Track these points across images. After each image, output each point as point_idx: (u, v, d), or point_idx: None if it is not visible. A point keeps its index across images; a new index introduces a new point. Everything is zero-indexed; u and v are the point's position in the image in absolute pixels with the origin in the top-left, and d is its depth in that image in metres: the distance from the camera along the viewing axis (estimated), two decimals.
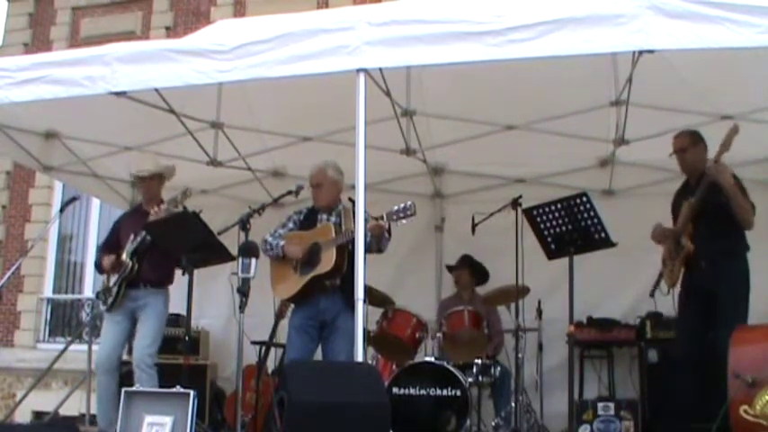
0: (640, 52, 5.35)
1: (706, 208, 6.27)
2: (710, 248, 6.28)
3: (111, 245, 7.23)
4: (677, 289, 6.63)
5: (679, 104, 6.88)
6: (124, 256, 6.98)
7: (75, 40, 14.08)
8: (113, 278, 7.01)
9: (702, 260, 6.35)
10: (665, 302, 6.84)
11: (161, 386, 6.53)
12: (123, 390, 5.97)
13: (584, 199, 6.46)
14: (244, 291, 6.31)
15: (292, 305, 6.99)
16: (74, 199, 7.77)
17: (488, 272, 8.57)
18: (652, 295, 6.84)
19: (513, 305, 7.44)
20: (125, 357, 7.23)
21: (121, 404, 5.82)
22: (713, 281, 6.26)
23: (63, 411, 9.39)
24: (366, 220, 5.72)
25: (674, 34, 4.98)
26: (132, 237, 7.02)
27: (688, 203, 6.40)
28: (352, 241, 5.74)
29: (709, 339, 6.32)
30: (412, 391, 6.95)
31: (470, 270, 8.58)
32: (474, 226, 7.60)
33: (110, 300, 6.96)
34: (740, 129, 6.81)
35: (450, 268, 8.80)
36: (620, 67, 6.54)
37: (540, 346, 8.05)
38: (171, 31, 13.58)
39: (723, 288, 6.23)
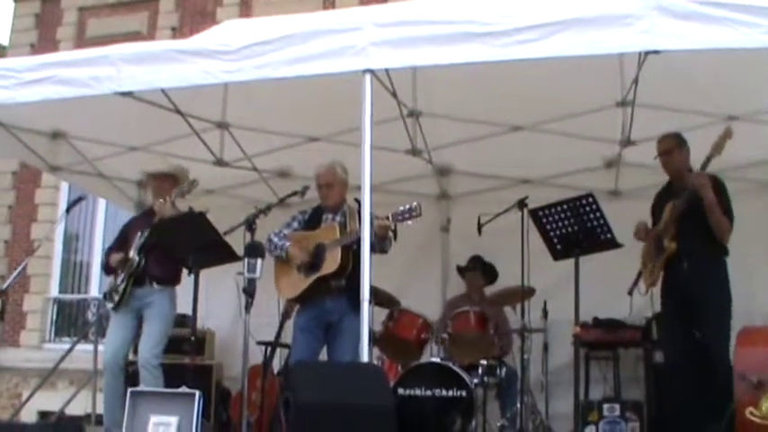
0: (646, 53, 5.36)
1: (691, 210, 6.28)
2: (694, 250, 6.30)
3: (119, 247, 7.25)
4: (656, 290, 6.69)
5: (685, 105, 6.87)
6: (131, 253, 6.99)
7: (81, 41, 14.10)
8: (120, 277, 7.02)
9: (685, 261, 6.38)
10: None
11: (167, 386, 6.54)
12: (129, 390, 6.00)
13: (591, 200, 6.46)
14: (249, 291, 6.29)
15: (298, 305, 6.99)
16: (80, 199, 7.79)
17: (497, 272, 8.56)
18: (630, 293, 6.87)
19: (518, 306, 7.44)
20: (131, 357, 7.21)
21: (127, 404, 5.85)
22: (696, 282, 6.28)
23: (69, 411, 9.40)
24: (371, 221, 5.71)
25: (680, 35, 4.98)
26: (140, 234, 7.03)
27: (672, 205, 6.42)
28: (358, 241, 5.74)
29: (697, 340, 6.35)
30: (417, 391, 6.93)
31: (482, 271, 8.56)
32: (480, 227, 7.58)
33: (116, 298, 6.97)
34: (746, 130, 6.82)
35: (461, 270, 8.77)
36: (627, 68, 6.53)
37: (546, 347, 8.03)
38: (177, 32, 13.61)
39: (708, 289, 6.26)
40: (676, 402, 6.42)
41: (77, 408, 9.33)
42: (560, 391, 7.83)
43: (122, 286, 6.96)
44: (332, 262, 6.52)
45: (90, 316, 13.07)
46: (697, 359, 6.22)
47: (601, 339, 8.02)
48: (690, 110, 6.90)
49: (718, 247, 6.37)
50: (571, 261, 6.53)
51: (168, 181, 7.20)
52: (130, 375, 6.95)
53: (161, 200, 7.01)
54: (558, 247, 6.68)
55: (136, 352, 7.04)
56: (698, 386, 6.18)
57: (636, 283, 6.80)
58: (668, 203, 6.47)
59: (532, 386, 7.71)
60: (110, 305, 7.07)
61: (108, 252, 7.36)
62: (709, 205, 6.21)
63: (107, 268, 7.26)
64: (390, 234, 6.39)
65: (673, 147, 6.54)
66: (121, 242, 7.26)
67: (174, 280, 7.09)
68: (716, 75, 6.37)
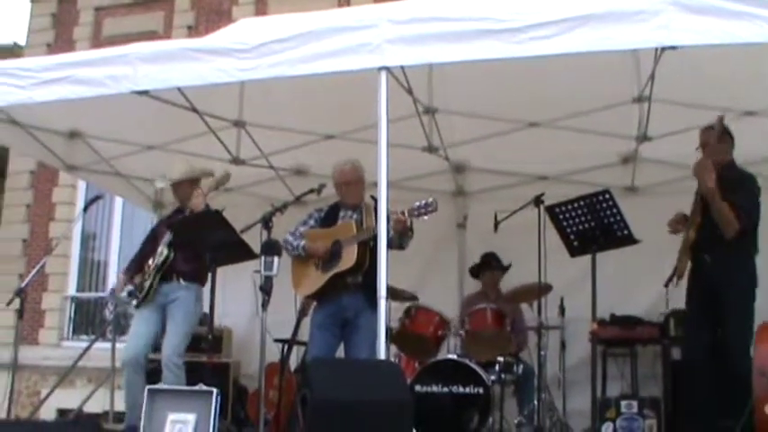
0: (663, 48, 5.34)
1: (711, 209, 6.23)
2: (714, 244, 6.21)
3: (146, 250, 7.28)
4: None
5: (702, 100, 6.81)
6: (160, 248, 7.01)
7: (97, 40, 14.14)
8: (148, 272, 7.02)
9: (706, 254, 6.31)
10: None
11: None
12: (147, 388, 6.00)
13: (607, 196, 6.44)
14: (266, 289, 6.30)
15: (315, 303, 6.99)
16: (97, 198, 7.82)
17: (509, 263, 8.57)
18: (666, 285, 6.82)
19: (535, 303, 7.43)
20: (151, 355, 7.20)
21: (145, 402, 5.84)
22: (717, 277, 6.20)
23: (87, 409, 9.44)
24: (388, 218, 5.71)
25: (696, 30, 4.94)
26: (169, 231, 7.03)
27: (696, 195, 6.37)
28: (374, 238, 5.74)
29: (717, 337, 6.30)
30: (434, 388, 6.96)
31: (495, 268, 8.56)
32: (496, 224, 7.59)
33: (141, 294, 6.97)
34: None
35: (475, 269, 8.76)
36: (643, 64, 6.51)
37: (563, 344, 8.01)
38: (192, 31, 13.64)
39: (728, 285, 6.15)
40: (695, 397, 6.38)
41: (95, 405, 9.38)
42: (577, 388, 7.82)
43: (149, 282, 6.96)
44: (348, 258, 6.53)
45: (107, 314, 13.13)
46: (717, 354, 6.17)
47: (618, 336, 8.00)
48: (707, 105, 6.84)
49: (743, 242, 6.23)
50: (588, 258, 6.51)
51: (186, 184, 7.20)
52: (149, 373, 6.96)
53: (198, 190, 7.02)
54: (575, 243, 6.67)
55: (156, 350, 7.05)
56: (717, 382, 6.14)
57: (672, 276, 6.72)
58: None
59: (549, 383, 7.73)
60: (134, 302, 7.06)
61: (134, 260, 7.40)
62: (705, 195, 6.14)
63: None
64: (408, 230, 6.39)
65: (710, 139, 6.41)
66: (151, 242, 7.26)
67: (200, 278, 7.03)
68: (733, 70, 6.33)
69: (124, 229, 13.35)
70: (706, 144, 6.38)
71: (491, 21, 5.33)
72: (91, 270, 13.94)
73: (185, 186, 7.18)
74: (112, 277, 13.19)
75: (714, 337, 6.28)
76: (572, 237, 6.66)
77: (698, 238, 6.30)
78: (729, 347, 6.06)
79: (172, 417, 5.78)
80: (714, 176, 6.07)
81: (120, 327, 9.62)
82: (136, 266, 7.28)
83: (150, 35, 12.71)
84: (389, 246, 5.68)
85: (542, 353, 7.35)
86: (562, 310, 7.95)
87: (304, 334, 7.41)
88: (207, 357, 7.34)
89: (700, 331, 6.40)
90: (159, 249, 7.00)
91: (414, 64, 5.72)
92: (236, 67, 5.74)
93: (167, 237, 7.00)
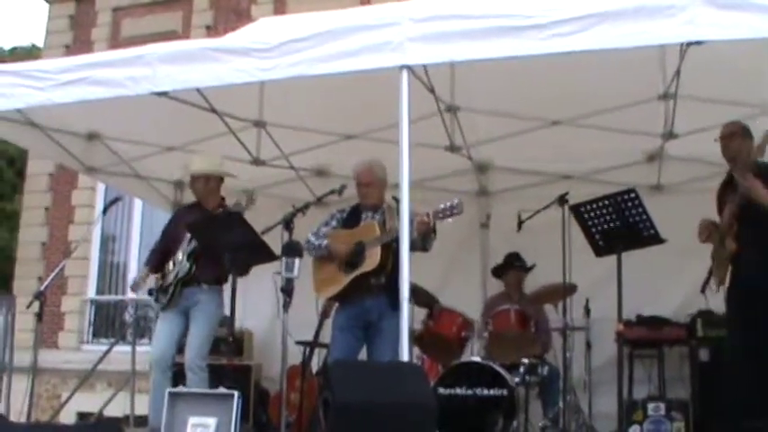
0: (688, 44, 5.27)
1: (748, 210, 6.09)
2: (755, 249, 6.10)
3: (168, 241, 7.26)
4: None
5: (729, 97, 6.74)
6: (180, 256, 6.97)
7: (116, 41, 14.19)
8: (169, 277, 6.99)
9: (748, 260, 6.19)
10: (716, 300, 6.74)
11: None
12: (167, 391, 5.98)
13: (633, 195, 6.39)
14: (287, 290, 6.28)
15: (337, 304, 6.94)
16: (116, 200, 7.78)
17: (533, 264, 8.49)
18: (703, 291, 6.72)
19: (560, 303, 7.36)
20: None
21: (165, 405, 5.83)
22: (759, 281, 6.08)
23: (107, 412, 9.43)
24: (411, 219, 5.64)
25: (722, 25, 4.87)
26: (189, 237, 6.98)
27: (730, 204, 6.25)
28: (397, 239, 5.68)
29: (757, 338, 6.19)
30: (458, 390, 6.89)
31: (519, 268, 8.48)
32: (520, 223, 7.52)
33: (165, 299, 6.94)
34: None
35: (499, 269, 8.67)
36: (668, 60, 6.43)
37: (589, 345, 7.96)
38: (211, 30, 13.66)
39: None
40: (724, 399, 6.31)
41: (116, 409, 9.35)
42: (604, 389, 7.74)
43: (171, 289, 6.93)
44: (371, 260, 6.46)
45: (127, 317, 13.14)
46: (754, 355, 6.06)
47: (644, 337, 7.91)
48: (734, 101, 6.78)
49: None
50: (613, 258, 6.45)
51: (202, 180, 7.16)
52: (177, 374, 6.92)
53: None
54: (600, 243, 6.61)
55: (180, 352, 7.01)
56: (751, 383, 6.05)
57: (708, 280, 6.63)
58: (730, 198, 6.30)
59: (575, 385, 7.68)
60: (157, 305, 7.04)
61: (154, 252, 7.39)
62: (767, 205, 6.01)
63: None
64: (432, 232, 6.33)
65: (735, 132, 6.28)
66: (172, 235, 7.22)
67: (222, 281, 6.99)
68: (759, 65, 6.25)
69: (144, 231, 13.37)
70: (730, 136, 6.27)
71: (514, 17, 5.27)
72: (110, 273, 13.98)
73: (201, 182, 7.15)
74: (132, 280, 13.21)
75: (753, 338, 6.17)
76: (597, 236, 6.60)
77: (739, 246, 6.19)
78: (763, 349, 5.96)
79: (193, 420, 5.76)
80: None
81: (140, 330, 9.60)
82: (156, 260, 7.28)
83: (169, 35, 12.70)
84: (412, 247, 5.60)
85: (567, 354, 7.26)
86: (587, 311, 7.91)
87: (326, 336, 7.35)
88: (228, 360, 7.29)
89: (739, 332, 6.30)
90: (180, 258, 6.96)
91: (436, 62, 5.66)
92: (256, 67, 5.69)
93: (187, 245, 6.95)
